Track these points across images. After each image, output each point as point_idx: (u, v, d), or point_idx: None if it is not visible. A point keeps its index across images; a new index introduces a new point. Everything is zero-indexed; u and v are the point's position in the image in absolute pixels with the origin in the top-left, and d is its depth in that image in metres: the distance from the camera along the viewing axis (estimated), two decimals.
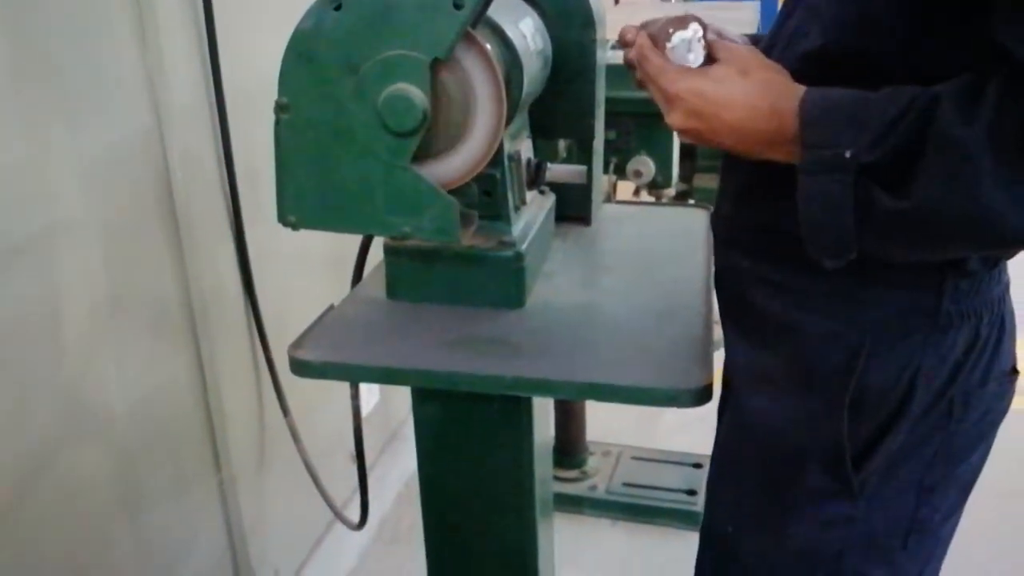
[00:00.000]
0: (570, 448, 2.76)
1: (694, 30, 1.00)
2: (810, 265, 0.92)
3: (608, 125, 1.84)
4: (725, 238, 1.09)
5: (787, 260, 0.96)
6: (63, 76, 1.33)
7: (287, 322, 1.87)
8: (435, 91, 1.09)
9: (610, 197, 2.34)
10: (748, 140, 0.92)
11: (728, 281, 1.09)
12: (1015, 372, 1.05)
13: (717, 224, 1.09)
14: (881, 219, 0.83)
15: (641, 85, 1.04)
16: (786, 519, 1.06)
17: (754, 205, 1.01)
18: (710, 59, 0.99)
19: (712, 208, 1.20)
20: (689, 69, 0.98)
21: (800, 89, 0.89)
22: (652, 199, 2.43)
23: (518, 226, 1.31)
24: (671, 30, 1.00)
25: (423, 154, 1.12)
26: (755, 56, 0.96)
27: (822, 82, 0.88)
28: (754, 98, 0.90)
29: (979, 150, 0.76)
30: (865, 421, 0.99)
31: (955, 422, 0.99)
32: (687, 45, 1.00)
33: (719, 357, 1.19)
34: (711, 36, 1.00)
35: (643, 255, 1.48)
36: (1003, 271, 1.01)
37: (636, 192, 2.57)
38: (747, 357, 1.07)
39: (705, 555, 1.21)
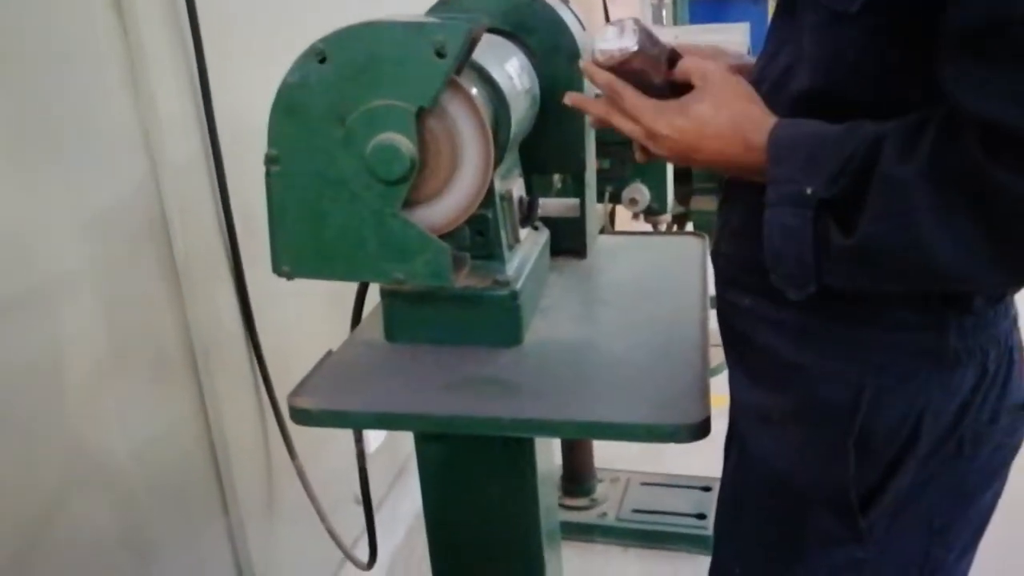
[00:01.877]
0: (578, 476, 2.76)
1: (632, 27, 1.00)
2: (811, 304, 0.93)
3: (601, 154, 1.85)
4: (726, 276, 1.08)
5: (792, 302, 0.95)
6: (57, 130, 1.34)
7: (290, 363, 1.88)
8: (422, 138, 1.10)
9: (607, 226, 2.35)
10: (731, 170, 0.97)
11: (730, 319, 1.08)
12: None
13: (717, 261, 1.09)
14: (836, 255, 0.86)
15: (602, 123, 1.05)
16: (793, 564, 1.04)
17: (753, 243, 1.01)
18: (686, 87, 1.00)
19: (706, 236, 1.20)
20: (667, 104, 1.00)
21: (771, 121, 0.91)
22: (649, 225, 2.44)
23: (512, 264, 1.32)
24: (604, 33, 1.02)
25: (413, 200, 1.14)
26: (729, 85, 0.98)
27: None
28: (728, 134, 0.94)
29: (915, 188, 0.78)
30: (871, 462, 0.97)
31: (965, 460, 0.97)
32: (619, 27, 1.00)
33: (720, 382, 1.19)
34: (689, 59, 1.01)
35: (639, 287, 1.49)
36: (1010, 306, 0.99)
37: (635, 217, 2.58)
38: (750, 396, 1.06)
39: None
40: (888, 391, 0.95)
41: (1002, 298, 0.96)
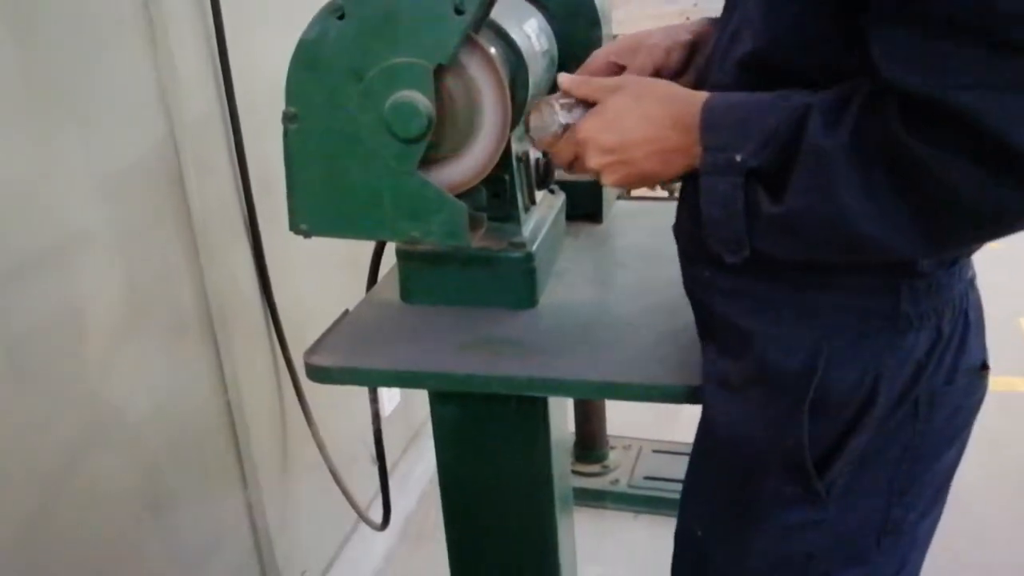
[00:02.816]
0: (591, 442, 2.77)
1: (549, 103, 1.03)
2: (767, 272, 0.96)
3: None
4: (687, 250, 1.10)
5: (744, 269, 0.97)
6: (77, 89, 1.35)
7: (305, 325, 1.89)
8: (440, 96, 1.10)
9: (623, 192, 2.34)
10: (665, 154, 0.96)
11: (694, 291, 1.10)
12: (985, 368, 1.03)
13: (679, 236, 1.10)
14: (765, 221, 0.88)
15: (569, 166, 1.06)
16: (752, 524, 1.05)
17: None
18: (591, 104, 1.02)
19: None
20: (589, 113, 1.01)
21: (702, 97, 0.93)
22: (665, 193, 2.43)
23: (528, 227, 1.32)
24: (530, 122, 1.05)
25: (430, 159, 1.14)
26: (642, 80, 1.03)
27: (757, 88, 0.90)
28: (656, 113, 0.95)
29: (839, 160, 0.80)
30: (828, 425, 0.98)
31: (922, 422, 0.98)
32: (544, 113, 1.03)
33: None
34: (586, 85, 1.02)
35: (655, 251, 1.48)
36: (965, 267, 0.99)
37: (651, 187, 2.56)
38: (711, 363, 1.07)
39: (680, 555, 1.21)
40: (843, 354, 0.96)
41: (955, 261, 0.96)
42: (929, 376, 0.96)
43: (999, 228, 0.80)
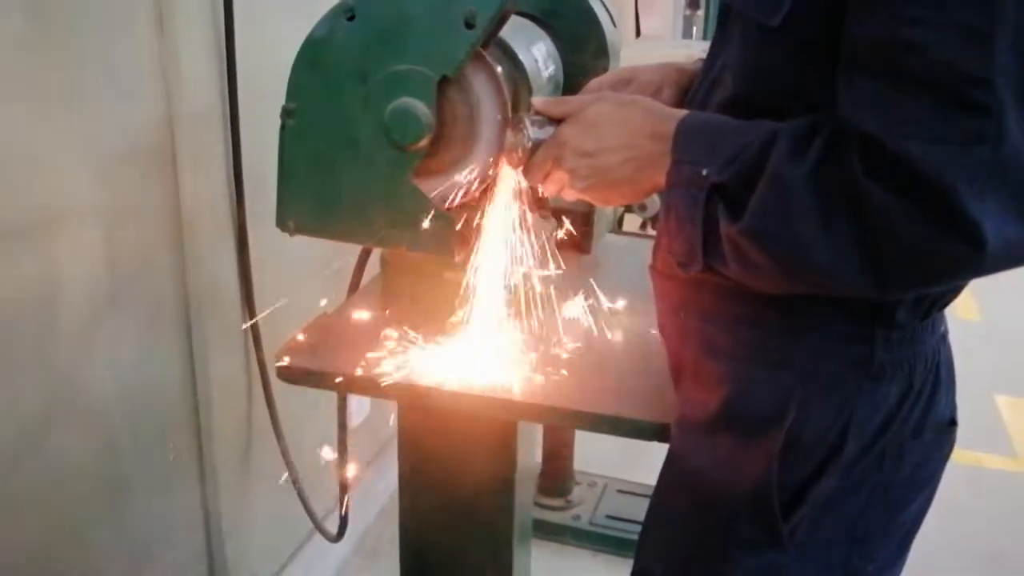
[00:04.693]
0: (556, 476, 2.75)
1: (521, 119, 1.04)
2: (740, 316, 0.98)
3: None
4: (660, 292, 1.11)
5: (718, 312, 0.99)
6: (80, 64, 1.34)
7: (283, 329, 1.87)
8: (441, 108, 1.10)
9: (615, 228, 2.34)
10: (638, 161, 0.96)
11: (666, 330, 1.11)
12: (953, 423, 1.04)
13: (653, 278, 1.11)
14: (720, 237, 0.89)
15: (543, 181, 1.05)
16: (715, 565, 1.05)
17: None
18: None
19: None
20: (569, 118, 1.01)
21: (679, 114, 0.95)
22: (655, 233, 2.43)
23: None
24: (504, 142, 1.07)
25: (425, 169, 1.13)
26: (623, 94, 1.08)
27: None
28: (636, 122, 0.97)
29: (800, 190, 0.83)
30: (795, 468, 0.98)
31: (887, 472, 0.99)
32: (516, 130, 1.04)
33: None
34: (559, 105, 1.03)
35: (639, 288, 1.47)
36: (938, 322, 1.01)
37: (643, 226, 2.57)
38: (683, 402, 1.08)
39: None
40: (815, 399, 0.96)
41: (928, 313, 0.97)
42: (898, 427, 0.97)
43: (943, 276, 0.84)
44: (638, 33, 4.90)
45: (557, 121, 1.02)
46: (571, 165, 1.00)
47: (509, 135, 1.05)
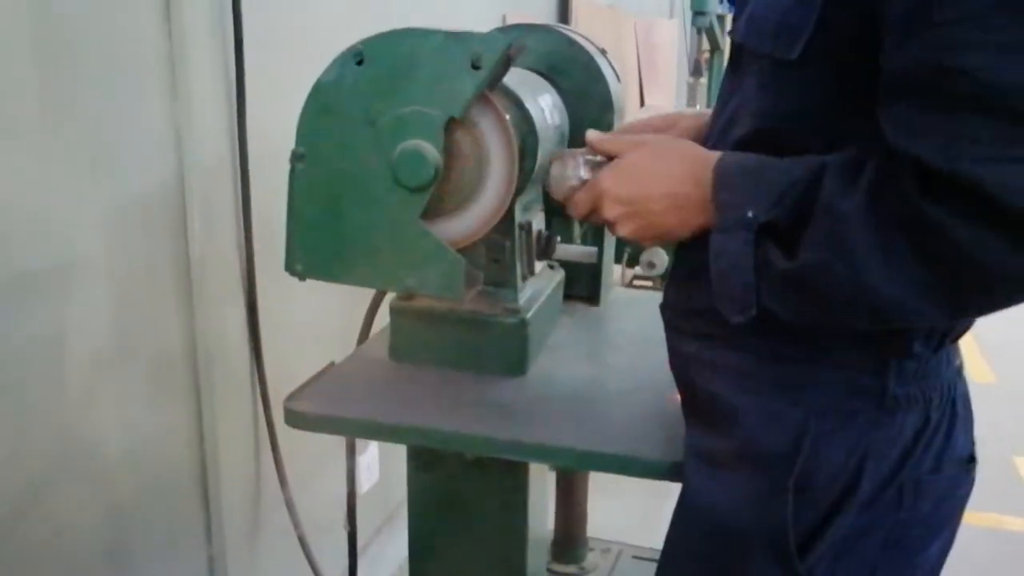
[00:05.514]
0: (569, 542, 2.69)
1: (574, 156, 1.06)
2: (753, 347, 0.96)
3: None
4: (672, 324, 1.10)
5: (730, 344, 0.97)
6: (95, 122, 1.36)
7: (291, 386, 1.86)
8: (449, 150, 1.11)
9: (624, 281, 2.34)
10: (682, 209, 0.97)
11: (679, 367, 1.10)
12: (972, 460, 1.02)
13: (664, 311, 1.10)
14: (776, 278, 0.88)
15: (585, 218, 1.07)
16: None
17: (695, 290, 1.02)
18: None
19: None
20: (608, 165, 1.03)
21: (715, 156, 0.94)
22: None
23: (524, 295, 1.32)
24: (551, 171, 1.08)
25: (433, 211, 1.14)
26: (663, 138, 1.06)
27: None
28: (676, 169, 0.97)
29: (856, 222, 0.81)
30: (811, 506, 0.96)
31: (906, 510, 0.96)
32: (567, 165, 1.06)
33: None
34: (612, 141, 1.05)
35: (649, 336, 1.46)
36: (953, 354, 0.99)
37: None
38: (694, 439, 1.06)
39: None
40: (829, 433, 0.94)
41: (941, 344, 0.95)
42: (916, 462, 0.95)
43: (1020, 294, 0.80)
44: (642, 103, 4.97)
45: (608, 160, 1.03)
46: (611, 214, 1.00)
47: (557, 166, 1.06)
